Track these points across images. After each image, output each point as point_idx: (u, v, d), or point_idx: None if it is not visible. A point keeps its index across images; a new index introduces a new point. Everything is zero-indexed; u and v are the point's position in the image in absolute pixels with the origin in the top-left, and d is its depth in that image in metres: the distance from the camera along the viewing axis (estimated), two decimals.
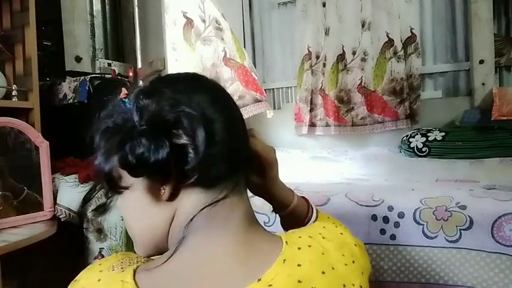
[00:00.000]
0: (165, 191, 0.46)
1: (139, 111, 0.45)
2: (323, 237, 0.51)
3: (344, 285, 0.47)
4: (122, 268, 0.46)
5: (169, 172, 0.44)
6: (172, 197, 0.47)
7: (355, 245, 0.54)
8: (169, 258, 0.45)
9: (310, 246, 0.48)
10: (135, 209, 0.51)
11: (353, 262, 0.51)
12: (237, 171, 0.49)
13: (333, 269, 0.47)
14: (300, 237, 0.50)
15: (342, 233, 0.55)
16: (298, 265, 0.45)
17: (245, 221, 0.49)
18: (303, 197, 0.70)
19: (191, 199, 0.47)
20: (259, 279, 0.43)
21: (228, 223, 0.47)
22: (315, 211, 0.68)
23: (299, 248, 0.48)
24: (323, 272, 0.46)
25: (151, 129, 0.43)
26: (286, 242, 0.48)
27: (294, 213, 0.66)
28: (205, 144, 0.44)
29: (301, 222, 0.66)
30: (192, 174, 0.45)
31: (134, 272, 0.44)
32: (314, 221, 0.66)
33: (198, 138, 0.44)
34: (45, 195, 1.21)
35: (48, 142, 1.22)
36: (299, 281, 0.43)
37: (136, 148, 0.42)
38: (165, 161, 0.42)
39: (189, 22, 2.10)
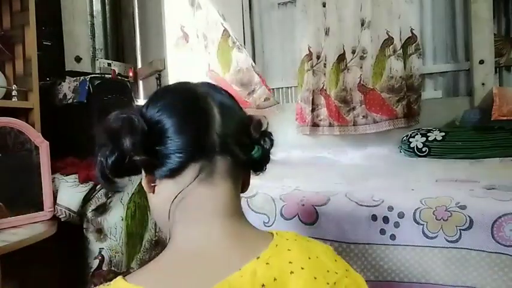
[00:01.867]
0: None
1: (102, 130, 0.53)
2: (308, 240, 0.57)
3: (328, 271, 0.51)
4: (108, 284, 0.49)
5: (133, 169, 0.54)
6: (152, 189, 0.57)
7: (335, 260, 0.57)
8: (158, 256, 0.51)
9: (296, 240, 0.54)
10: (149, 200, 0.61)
11: (335, 261, 0.55)
12: (196, 161, 0.52)
13: (317, 257, 0.53)
14: (286, 232, 0.56)
15: (327, 245, 0.59)
16: (288, 249, 0.51)
17: (225, 212, 0.53)
18: None
19: (166, 191, 0.54)
20: (258, 257, 0.48)
21: (203, 213, 0.53)
22: None
23: (287, 239, 0.54)
24: (309, 258, 0.51)
25: (107, 139, 0.53)
26: (276, 233, 0.54)
27: None
28: (149, 142, 0.52)
29: None
30: (146, 168, 0.55)
31: (124, 275, 0.48)
32: None
33: (132, 139, 0.50)
34: (45, 195, 1.21)
35: (48, 142, 1.22)
36: (290, 262, 0.49)
37: (99, 158, 0.53)
38: (116, 162, 0.52)
39: (185, 37, 2.16)
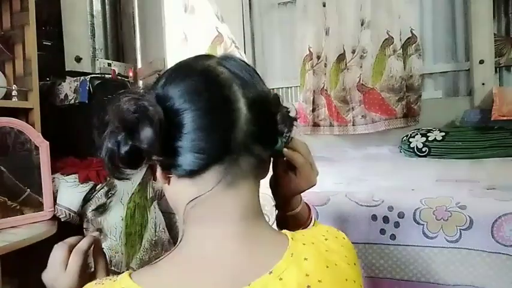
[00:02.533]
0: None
1: (113, 114, 0.47)
2: (326, 239, 0.52)
3: (346, 280, 0.48)
4: (114, 279, 0.46)
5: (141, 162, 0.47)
6: (168, 180, 0.50)
7: (353, 248, 0.55)
8: (169, 254, 0.47)
9: (313, 243, 0.49)
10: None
11: (354, 264, 0.51)
12: (219, 163, 0.46)
13: (336, 265, 0.48)
14: (303, 235, 0.51)
15: (344, 238, 0.55)
16: (305, 259, 0.46)
17: (243, 215, 0.48)
18: (307, 205, 0.70)
19: (182, 189, 0.49)
20: (271, 272, 0.44)
21: (222, 216, 0.48)
22: (313, 221, 0.69)
23: (304, 244, 0.48)
24: (327, 266, 0.47)
25: (119, 125, 0.46)
26: (292, 238, 0.49)
27: (295, 217, 0.67)
28: (163, 137, 0.45)
29: (297, 227, 0.66)
30: (162, 164, 0.49)
31: (129, 275, 0.46)
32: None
33: (147, 134, 0.45)
34: (45, 195, 1.21)
35: (48, 142, 1.22)
36: (307, 275, 0.45)
37: (107, 146, 0.47)
38: (127, 154, 0.46)
39: (186, 38, 2.15)
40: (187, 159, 0.46)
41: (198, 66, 0.50)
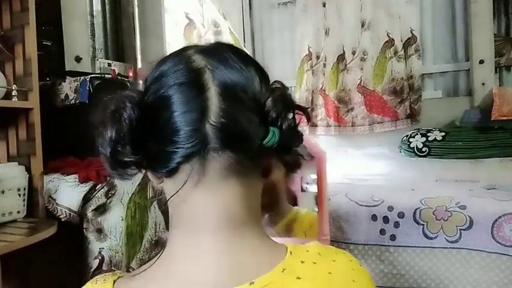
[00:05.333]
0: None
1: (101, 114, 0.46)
2: (333, 260, 0.44)
3: None
4: (104, 280, 0.45)
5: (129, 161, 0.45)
6: (160, 180, 0.46)
7: (369, 275, 0.47)
8: (151, 263, 0.44)
9: (315, 263, 0.43)
10: None
11: None
12: (188, 159, 0.41)
13: None
14: (307, 251, 0.44)
15: (361, 265, 0.48)
16: (298, 278, 0.40)
17: (225, 223, 0.43)
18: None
19: (168, 190, 0.45)
20: (252, 283, 0.39)
21: (202, 225, 0.43)
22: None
23: (302, 262, 0.42)
24: None
25: (103, 130, 0.44)
26: (291, 252, 0.43)
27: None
28: (134, 135, 0.43)
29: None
30: (139, 167, 0.45)
31: (114, 282, 0.44)
32: None
33: (118, 132, 0.43)
34: None
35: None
36: None
37: (99, 147, 0.45)
38: (112, 155, 0.43)
39: (191, 23, 2.12)
40: (161, 156, 0.42)
41: (175, 54, 0.46)
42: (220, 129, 0.41)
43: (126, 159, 0.43)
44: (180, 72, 0.43)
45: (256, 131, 0.43)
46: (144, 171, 0.48)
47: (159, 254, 0.44)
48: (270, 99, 0.44)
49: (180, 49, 0.47)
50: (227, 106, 0.41)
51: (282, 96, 0.45)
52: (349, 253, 0.50)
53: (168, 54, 0.48)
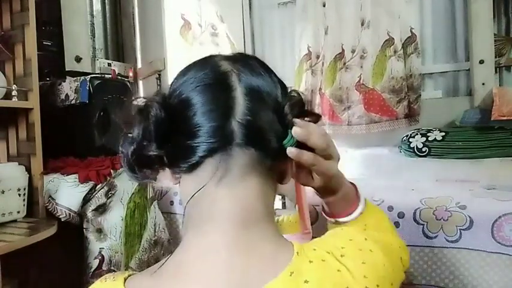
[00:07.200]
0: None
1: (123, 117, 0.51)
2: (341, 255, 0.43)
3: None
4: (113, 278, 0.46)
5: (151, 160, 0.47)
6: (178, 180, 0.48)
7: (384, 264, 0.46)
8: (165, 260, 0.45)
9: (324, 260, 0.42)
10: None
11: (377, 286, 0.43)
12: (212, 155, 0.43)
13: None
14: (314, 249, 0.44)
15: (371, 250, 0.46)
16: (306, 281, 0.39)
17: (241, 219, 0.43)
18: (352, 184, 0.65)
19: (186, 188, 0.47)
20: None
21: (217, 221, 0.43)
22: (361, 205, 0.63)
23: (310, 262, 0.42)
24: None
25: (127, 132, 0.47)
26: (298, 252, 0.43)
27: (340, 202, 0.62)
28: (162, 132, 0.45)
29: (343, 213, 0.62)
30: (167, 162, 0.47)
31: (125, 280, 0.45)
32: (360, 213, 0.62)
33: (145, 129, 0.45)
34: None
35: None
36: None
37: (121, 148, 0.48)
38: (134, 154, 0.46)
39: (187, 24, 2.12)
40: (185, 151, 0.44)
41: (201, 61, 0.51)
42: (246, 126, 0.43)
43: (150, 153, 0.45)
44: (206, 75, 0.47)
45: (277, 131, 0.46)
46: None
47: (172, 253, 0.45)
48: (288, 104, 0.48)
49: (206, 57, 0.51)
50: (253, 105, 0.44)
51: (299, 102, 0.50)
52: (355, 227, 0.53)
53: (192, 62, 0.52)
